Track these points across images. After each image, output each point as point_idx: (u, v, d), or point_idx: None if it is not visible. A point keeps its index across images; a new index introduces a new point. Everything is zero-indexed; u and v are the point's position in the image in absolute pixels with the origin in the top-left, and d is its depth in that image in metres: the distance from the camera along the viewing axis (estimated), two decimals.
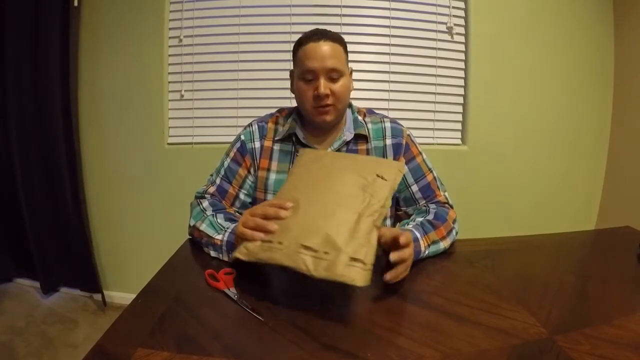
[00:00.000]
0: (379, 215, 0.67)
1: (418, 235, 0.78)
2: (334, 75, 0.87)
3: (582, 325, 0.57)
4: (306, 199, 0.68)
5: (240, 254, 0.66)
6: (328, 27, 0.93)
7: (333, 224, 0.63)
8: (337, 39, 0.90)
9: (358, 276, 0.57)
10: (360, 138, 0.94)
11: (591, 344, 0.52)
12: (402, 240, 0.67)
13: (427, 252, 0.79)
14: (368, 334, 0.55)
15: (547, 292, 0.68)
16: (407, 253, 0.68)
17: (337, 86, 0.87)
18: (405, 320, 0.60)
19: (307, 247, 0.60)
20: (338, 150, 0.93)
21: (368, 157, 0.91)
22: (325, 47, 0.86)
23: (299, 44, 0.90)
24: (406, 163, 0.95)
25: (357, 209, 0.66)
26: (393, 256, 0.65)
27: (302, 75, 0.88)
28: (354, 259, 0.59)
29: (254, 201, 0.97)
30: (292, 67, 0.94)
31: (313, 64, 0.86)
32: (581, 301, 0.66)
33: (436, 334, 0.55)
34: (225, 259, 0.78)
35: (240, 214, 0.96)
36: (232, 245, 0.75)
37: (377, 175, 0.72)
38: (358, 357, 0.50)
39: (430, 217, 0.87)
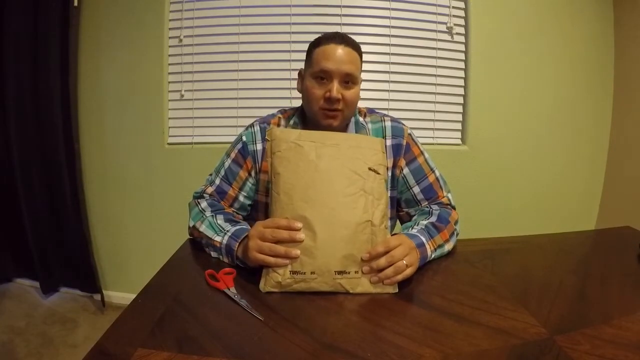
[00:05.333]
0: (386, 215, 0.73)
1: (424, 240, 0.77)
2: (348, 81, 0.86)
3: (582, 325, 0.57)
4: (314, 216, 0.67)
5: (271, 287, 0.66)
6: (328, 28, 0.93)
7: (354, 244, 0.67)
8: (356, 47, 0.88)
9: (388, 286, 0.67)
10: None
11: (591, 344, 0.52)
12: (381, 249, 0.67)
13: (433, 256, 0.79)
14: (368, 334, 0.55)
15: (547, 292, 0.68)
16: (384, 261, 0.67)
17: (349, 93, 0.86)
18: (405, 320, 0.60)
19: (339, 272, 0.66)
20: None
21: (347, 138, 0.79)
22: (344, 52, 0.85)
23: (317, 43, 0.88)
24: (407, 164, 0.94)
25: (368, 215, 0.69)
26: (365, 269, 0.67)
27: (316, 74, 0.86)
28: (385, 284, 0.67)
29: (255, 204, 0.97)
30: (300, 67, 0.93)
31: (330, 65, 0.84)
32: (581, 301, 0.66)
33: (436, 334, 0.55)
34: (226, 260, 0.77)
35: (239, 214, 0.96)
36: (231, 250, 0.75)
37: (370, 169, 0.73)
38: (358, 357, 0.50)
39: (434, 219, 0.86)
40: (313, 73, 0.87)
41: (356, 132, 0.94)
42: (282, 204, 0.69)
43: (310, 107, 0.89)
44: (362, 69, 0.92)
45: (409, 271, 0.68)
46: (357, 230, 0.67)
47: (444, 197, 0.94)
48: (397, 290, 0.67)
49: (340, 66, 0.84)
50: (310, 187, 0.69)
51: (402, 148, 0.94)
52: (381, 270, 0.66)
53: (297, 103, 0.98)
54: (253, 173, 0.94)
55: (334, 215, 0.67)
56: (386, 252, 0.67)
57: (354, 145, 0.76)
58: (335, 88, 0.84)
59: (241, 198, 0.94)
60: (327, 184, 0.70)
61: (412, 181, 0.94)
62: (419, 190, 0.94)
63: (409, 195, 0.95)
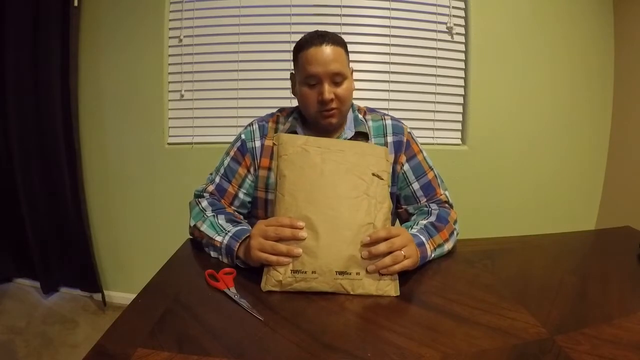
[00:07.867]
0: (388, 219, 0.73)
1: (423, 239, 0.78)
2: (337, 79, 0.86)
3: (582, 325, 0.57)
4: (317, 217, 0.67)
5: (272, 286, 0.66)
6: (328, 28, 0.93)
7: (356, 245, 0.67)
8: (338, 41, 0.88)
9: (389, 287, 0.66)
10: (360, 136, 0.94)
11: (591, 344, 0.52)
12: (382, 233, 0.67)
13: (432, 256, 0.79)
14: (368, 334, 0.55)
15: (547, 292, 0.68)
16: (384, 247, 0.66)
17: (340, 90, 0.87)
18: (405, 320, 0.60)
19: (341, 272, 0.65)
20: None
21: (352, 145, 0.80)
22: (327, 51, 0.85)
23: (299, 48, 0.89)
24: (407, 161, 0.95)
25: (370, 218, 0.69)
26: (364, 254, 0.66)
27: (305, 80, 0.87)
28: (382, 274, 0.67)
29: (254, 200, 0.97)
30: (292, 69, 0.94)
31: (316, 69, 0.85)
32: (581, 301, 0.66)
33: (436, 334, 0.55)
34: (225, 260, 0.77)
35: (240, 213, 0.96)
36: (231, 250, 0.75)
37: (374, 174, 0.74)
38: (358, 357, 0.50)
39: (433, 219, 0.86)
40: (302, 79, 0.88)
41: (355, 127, 0.95)
42: (286, 204, 0.70)
43: (308, 112, 0.90)
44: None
45: (406, 263, 0.68)
46: (359, 231, 0.67)
47: (442, 194, 0.95)
48: (398, 293, 0.67)
49: (326, 68, 0.84)
50: (315, 190, 0.70)
51: (403, 145, 0.95)
52: (380, 257, 0.66)
53: (297, 103, 0.98)
54: (252, 170, 0.95)
55: (337, 216, 0.68)
56: (387, 238, 0.67)
57: (359, 152, 0.78)
58: (327, 90, 0.85)
59: (241, 195, 0.95)
60: (331, 187, 0.71)
61: (412, 177, 0.95)
62: (418, 186, 0.95)
63: (409, 192, 0.96)
